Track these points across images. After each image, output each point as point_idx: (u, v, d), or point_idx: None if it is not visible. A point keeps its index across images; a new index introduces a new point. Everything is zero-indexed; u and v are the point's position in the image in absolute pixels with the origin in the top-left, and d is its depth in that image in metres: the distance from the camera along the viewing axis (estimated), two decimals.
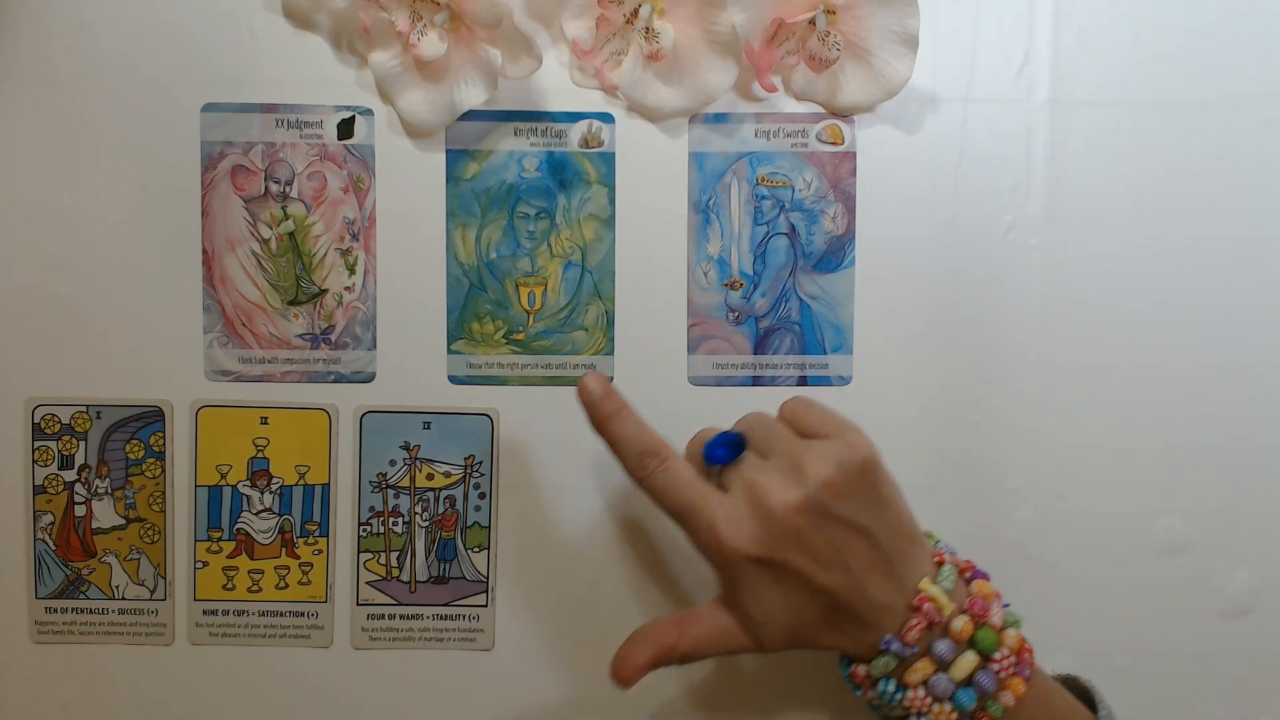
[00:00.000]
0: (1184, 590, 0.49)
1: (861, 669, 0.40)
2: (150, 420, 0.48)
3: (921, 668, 0.39)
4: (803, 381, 0.49)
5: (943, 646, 0.39)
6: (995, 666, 0.39)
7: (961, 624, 0.39)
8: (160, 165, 0.47)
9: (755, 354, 0.49)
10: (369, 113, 0.48)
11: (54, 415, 0.48)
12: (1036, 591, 0.48)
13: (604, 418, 0.41)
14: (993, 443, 0.49)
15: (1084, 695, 0.42)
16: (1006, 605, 0.41)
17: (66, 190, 0.47)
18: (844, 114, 0.48)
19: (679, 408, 0.48)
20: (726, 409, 0.48)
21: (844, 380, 0.49)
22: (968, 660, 0.39)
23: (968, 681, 0.39)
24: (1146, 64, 0.48)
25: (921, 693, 0.39)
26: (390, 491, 0.49)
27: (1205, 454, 0.49)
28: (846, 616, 0.39)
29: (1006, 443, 0.49)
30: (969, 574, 0.42)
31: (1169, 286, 0.48)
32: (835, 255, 0.49)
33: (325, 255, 0.48)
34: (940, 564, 0.41)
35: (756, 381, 0.49)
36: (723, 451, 0.41)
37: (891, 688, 0.39)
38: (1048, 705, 0.40)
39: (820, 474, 0.39)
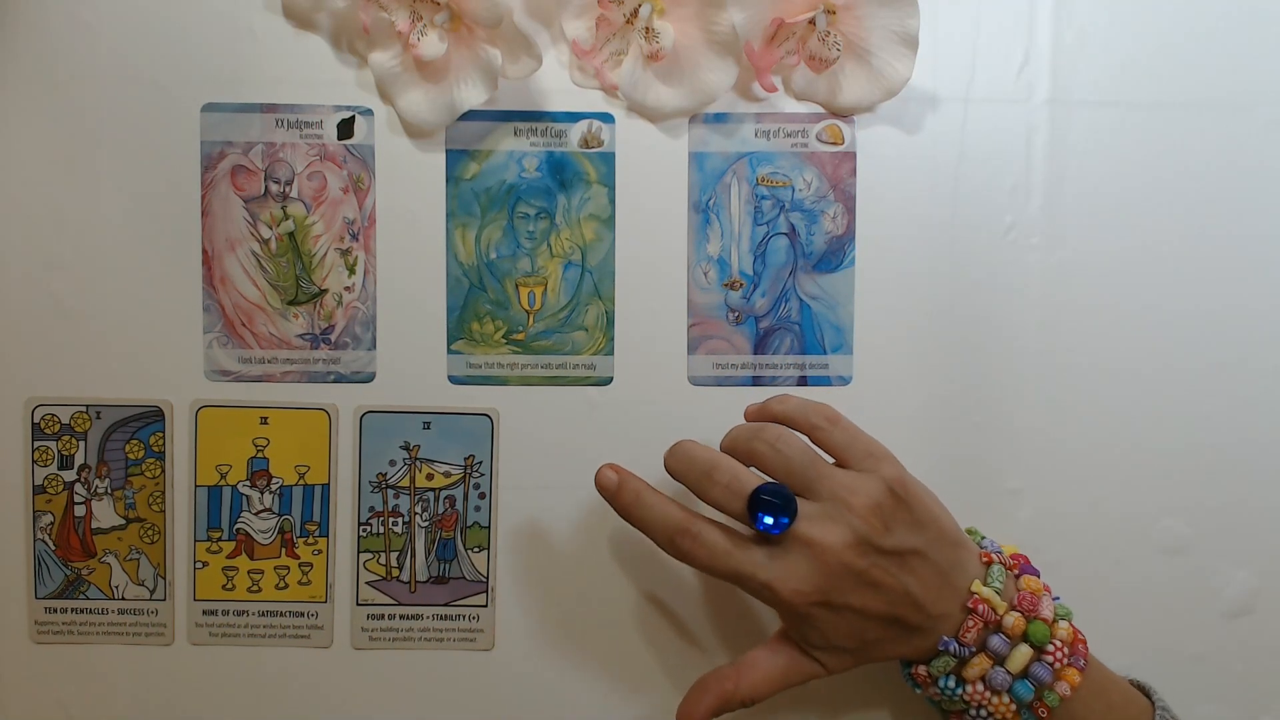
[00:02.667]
0: (1184, 590, 0.49)
1: (922, 669, 0.41)
2: (150, 420, 0.48)
3: (979, 663, 0.40)
4: (803, 381, 0.49)
5: (997, 642, 0.40)
6: (1049, 658, 0.40)
7: (1013, 620, 0.40)
8: (160, 165, 0.47)
9: (755, 354, 0.49)
10: (369, 113, 0.48)
11: (54, 415, 0.48)
12: None
13: (627, 506, 0.42)
14: (993, 443, 0.49)
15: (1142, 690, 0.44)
16: (1056, 599, 0.42)
17: (66, 190, 0.47)
18: (844, 114, 0.48)
19: (679, 408, 0.48)
20: (726, 409, 0.48)
21: (844, 380, 0.49)
22: (1022, 654, 0.40)
23: (1024, 674, 0.40)
24: (1146, 64, 0.48)
25: (980, 687, 0.40)
26: (390, 491, 0.49)
27: (1205, 454, 0.49)
28: (908, 630, 0.41)
29: (1006, 443, 0.49)
30: (1017, 570, 0.43)
31: (1169, 286, 0.48)
32: (835, 255, 0.49)
33: (325, 255, 0.48)
34: (989, 564, 0.42)
35: (756, 381, 0.49)
36: (776, 525, 0.39)
37: (952, 684, 0.41)
38: (1104, 695, 0.42)
39: (865, 509, 0.40)
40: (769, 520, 0.39)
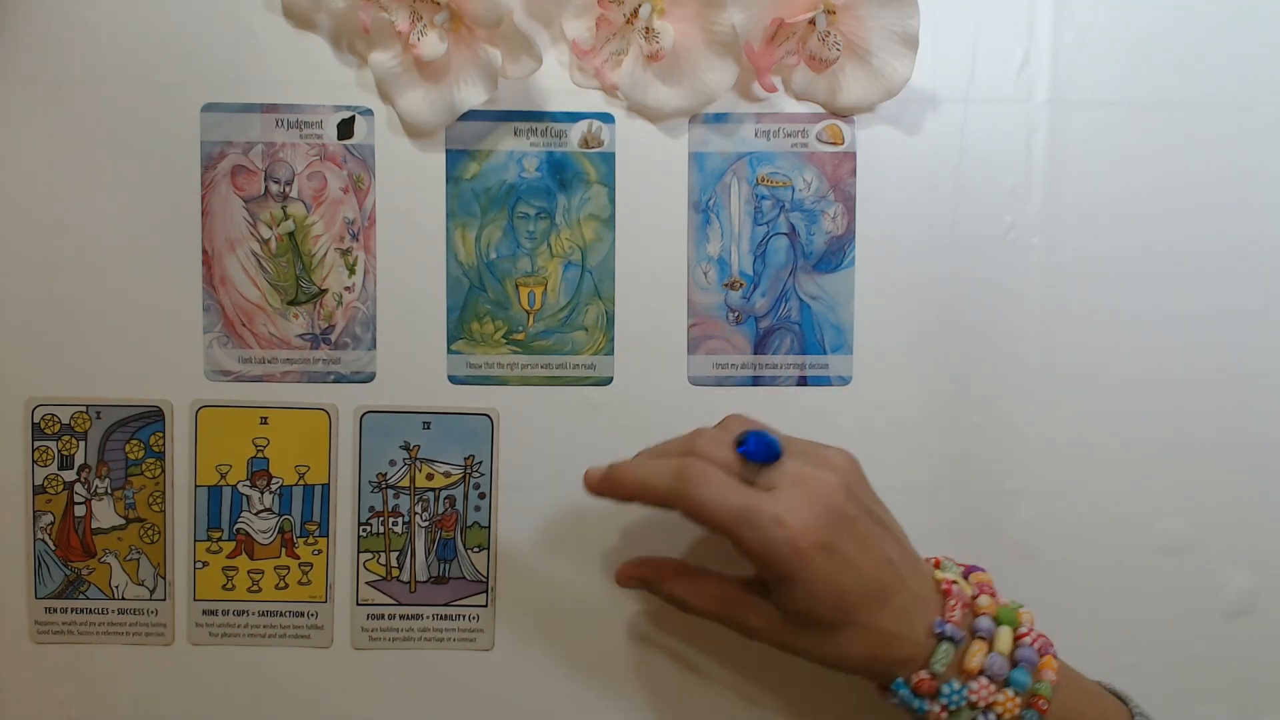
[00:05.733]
0: (1184, 590, 0.49)
1: (924, 674, 0.39)
2: (150, 420, 0.48)
3: (976, 649, 0.39)
4: (803, 381, 0.49)
5: (984, 623, 0.40)
6: (1027, 639, 0.40)
7: (987, 601, 0.41)
8: (160, 165, 0.47)
9: (755, 354, 0.49)
10: (369, 113, 0.48)
11: (54, 415, 0.48)
12: (1036, 591, 0.48)
13: (620, 476, 0.41)
14: (993, 443, 0.49)
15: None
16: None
17: (66, 190, 0.47)
18: (844, 114, 0.48)
19: (679, 408, 0.48)
20: (727, 409, 0.48)
21: (844, 380, 0.49)
22: (1005, 634, 0.40)
23: (1014, 660, 0.40)
24: (1146, 64, 0.48)
25: (984, 681, 0.39)
26: (390, 491, 0.49)
27: (1205, 454, 0.49)
28: (891, 610, 0.39)
29: (1006, 443, 0.49)
30: (964, 569, 0.44)
31: (1169, 286, 0.48)
32: (835, 255, 0.49)
33: (325, 255, 0.48)
34: (937, 564, 0.43)
35: (756, 381, 0.49)
36: (771, 452, 0.40)
37: (956, 686, 0.39)
38: (1082, 688, 0.41)
39: (843, 467, 0.41)
40: (762, 441, 0.40)
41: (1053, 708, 0.39)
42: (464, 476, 0.49)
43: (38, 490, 0.48)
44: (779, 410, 0.48)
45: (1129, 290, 0.48)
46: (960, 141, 0.48)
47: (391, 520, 0.49)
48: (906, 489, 0.48)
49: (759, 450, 0.40)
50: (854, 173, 0.48)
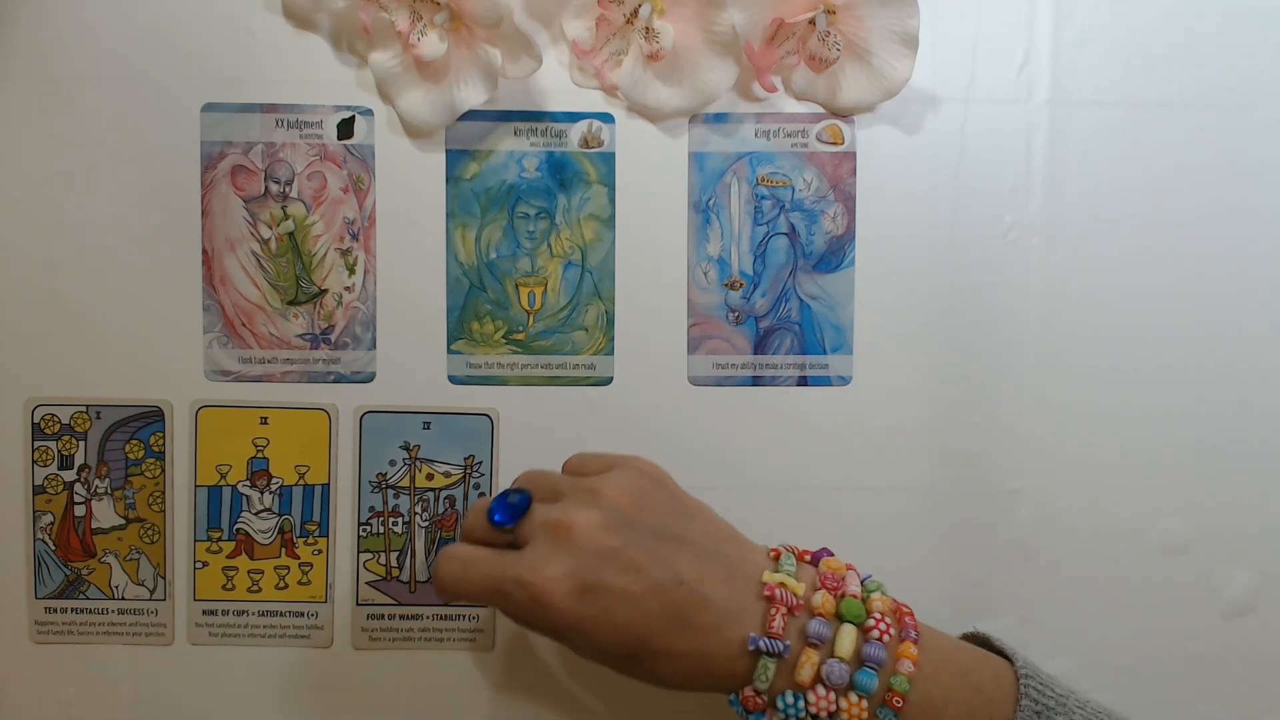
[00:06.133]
0: (1184, 590, 0.49)
1: (749, 691, 0.37)
2: (150, 420, 0.48)
3: (808, 658, 0.36)
4: (803, 381, 0.49)
5: (816, 625, 0.37)
6: (876, 633, 0.37)
7: (821, 598, 0.37)
8: (160, 165, 0.47)
9: (755, 354, 0.49)
10: (369, 113, 0.48)
11: (54, 415, 0.48)
12: (1036, 591, 0.48)
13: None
14: (993, 443, 0.49)
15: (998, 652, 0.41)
16: (867, 576, 0.40)
17: (66, 190, 0.47)
18: (844, 114, 0.48)
19: (679, 408, 0.48)
20: (726, 409, 0.48)
21: (844, 380, 0.49)
22: (847, 634, 0.37)
23: (859, 661, 0.37)
24: (1146, 64, 0.48)
25: (821, 690, 0.36)
26: (390, 491, 0.49)
27: (1205, 454, 0.49)
28: (696, 630, 0.37)
29: (1006, 443, 0.49)
30: (809, 557, 0.40)
31: (1168, 286, 0.48)
32: (835, 255, 0.49)
33: (325, 255, 0.48)
34: (777, 556, 0.40)
35: (756, 381, 0.49)
36: (508, 511, 0.39)
37: (790, 699, 0.36)
38: (950, 663, 0.38)
39: (616, 493, 0.38)
40: (506, 502, 0.38)
41: (914, 694, 0.36)
42: (464, 476, 0.49)
43: (38, 490, 0.48)
44: (779, 410, 0.48)
45: (1129, 290, 0.48)
46: (960, 141, 0.48)
47: (391, 520, 0.49)
48: (906, 489, 0.48)
49: (500, 513, 0.39)
50: (854, 173, 0.48)
